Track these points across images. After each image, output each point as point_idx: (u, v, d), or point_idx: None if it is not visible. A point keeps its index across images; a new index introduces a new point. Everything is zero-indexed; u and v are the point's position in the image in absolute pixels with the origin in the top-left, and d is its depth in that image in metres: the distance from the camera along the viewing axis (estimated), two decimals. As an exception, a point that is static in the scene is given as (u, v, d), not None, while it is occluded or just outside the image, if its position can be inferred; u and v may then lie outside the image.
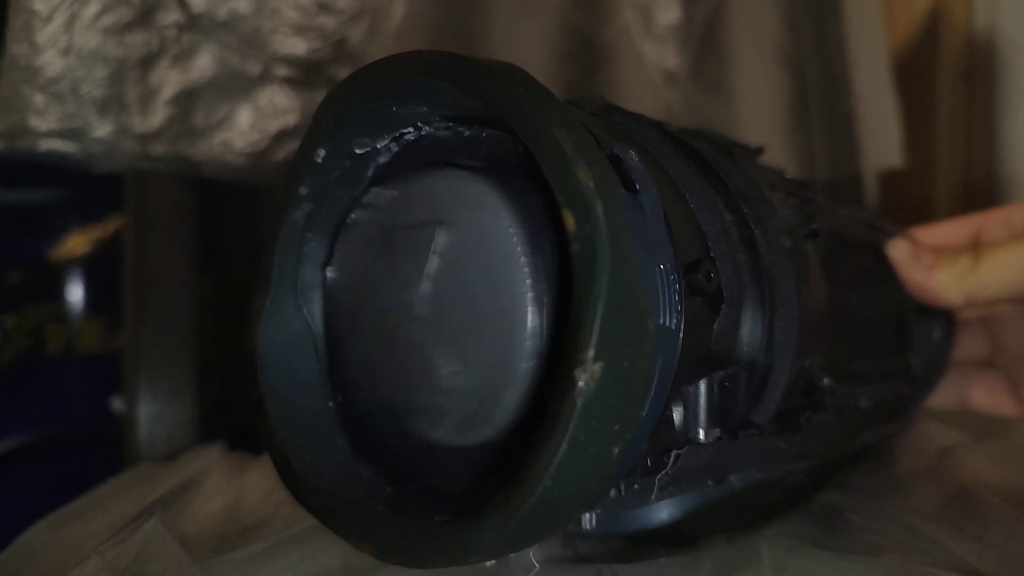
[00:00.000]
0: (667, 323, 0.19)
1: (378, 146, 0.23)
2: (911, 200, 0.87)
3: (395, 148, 0.23)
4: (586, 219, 0.17)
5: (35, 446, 0.54)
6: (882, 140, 0.74)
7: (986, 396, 0.40)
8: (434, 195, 0.21)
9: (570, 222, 0.17)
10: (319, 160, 0.22)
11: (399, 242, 0.22)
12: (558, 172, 0.18)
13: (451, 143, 0.22)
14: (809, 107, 0.68)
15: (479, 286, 0.20)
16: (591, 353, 0.16)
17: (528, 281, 0.20)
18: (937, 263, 0.34)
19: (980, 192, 0.87)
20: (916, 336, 0.37)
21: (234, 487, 0.36)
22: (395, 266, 0.22)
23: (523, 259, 0.20)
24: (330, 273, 0.23)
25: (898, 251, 0.35)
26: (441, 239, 0.21)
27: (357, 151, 0.23)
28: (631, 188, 0.19)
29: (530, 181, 0.20)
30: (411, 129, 0.22)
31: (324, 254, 0.23)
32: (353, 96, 0.21)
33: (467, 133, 0.22)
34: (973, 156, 0.89)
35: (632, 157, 0.20)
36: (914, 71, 0.84)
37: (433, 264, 0.21)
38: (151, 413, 0.46)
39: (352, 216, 0.23)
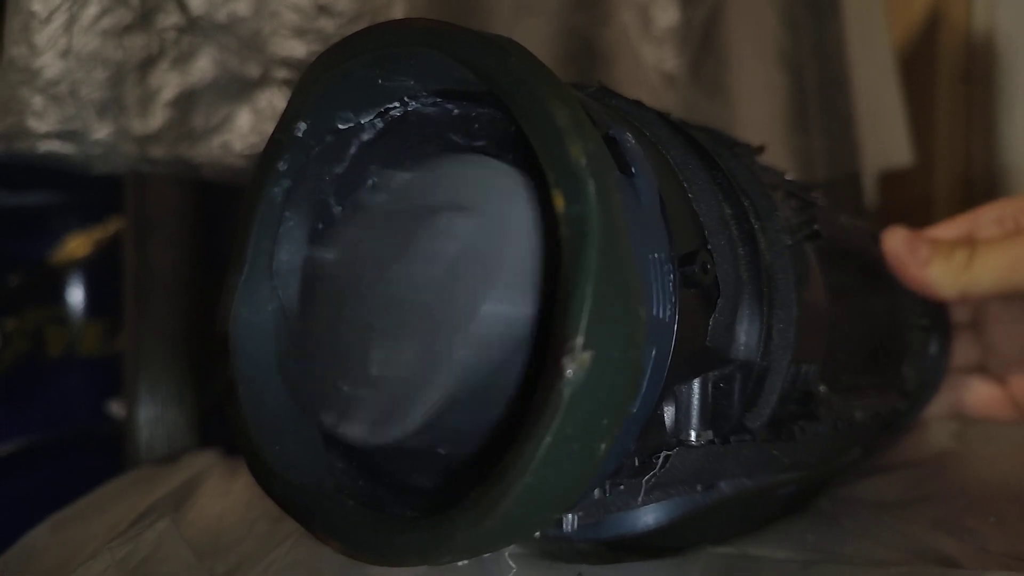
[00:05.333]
0: (661, 315, 0.18)
1: (362, 121, 0.21)
2: (911, 200, 0.87)
3: (380, 124, 0.21)
4: (577, 199, 0.16)
5: (35, 449, 0.54)
6: (887, 139, 0.74)
7: (979, 402, 0.39)
8: (447, 180, 0.20)
9: (560, 202, 0.16)
10: (300, 134, 0.21)
11: (405, 226, 0.20)
12: (549, 148, 0.16)
13: (440, 121, 0.20)
14: (808, 107, 0.68)
15: (448, 277, 0.19)
16: (580, 340, 0.15)
17: (483, 271, 0.18)
18: (933, 257, 0.34)
19: (979, 192, 0.87)
20: (912, 349, 0.36)
21: (227, 494, 0.35)
22: (389, 250, 0.20)
23: (497, 248, 0.18)
24: (326, 253, 0.22)
25: (894, 241, 0.34)
26: (453, 224, 0.19)
27: (340, 126, 0.21)
28: (627, 171, 0.18)
29: (521, 164, 0.19)
30: (397, 104, 0.21)
31: (303, 233, 0.22)
32: (340, 64, 0.20)
33: (456, 111, 0.20)
34: (972, 156, 0.89)
35: (629, 139, 0.19)
36: (913, 72, 0.83)
37: (433, 249, 0.20)
38: (151, 416, 0.46)
39: (360, 197, 0.22)
